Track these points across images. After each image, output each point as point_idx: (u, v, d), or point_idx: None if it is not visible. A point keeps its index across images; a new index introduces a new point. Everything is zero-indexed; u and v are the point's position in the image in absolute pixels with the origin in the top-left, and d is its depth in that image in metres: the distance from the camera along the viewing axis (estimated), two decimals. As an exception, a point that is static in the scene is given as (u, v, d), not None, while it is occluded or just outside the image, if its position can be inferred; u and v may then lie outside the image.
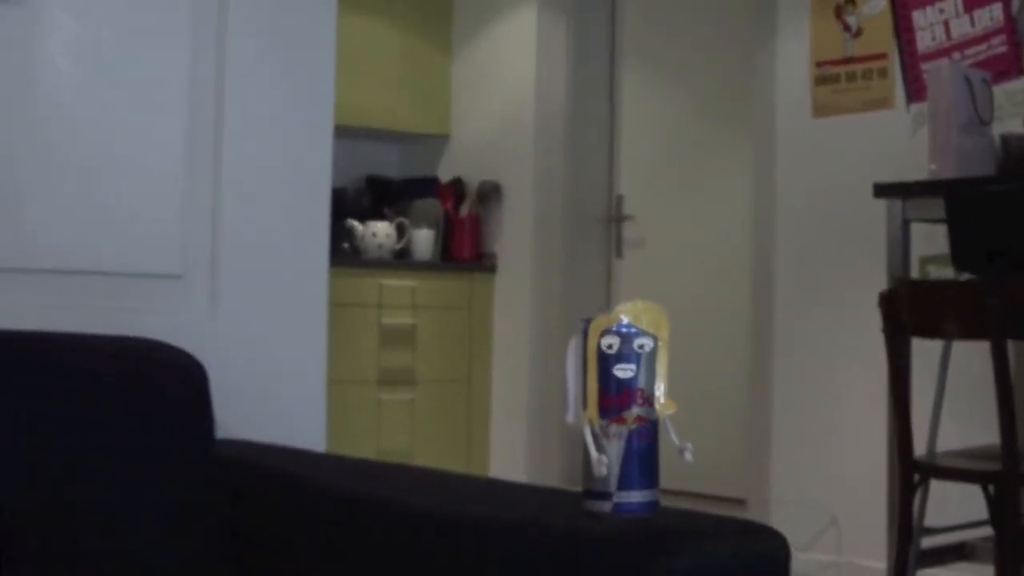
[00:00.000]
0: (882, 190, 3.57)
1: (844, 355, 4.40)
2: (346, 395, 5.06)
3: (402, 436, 5.33)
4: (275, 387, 2.06)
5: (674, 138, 5.59)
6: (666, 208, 5.56)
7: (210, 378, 1.83)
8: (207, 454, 1.71)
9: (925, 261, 4.08)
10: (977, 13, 4.18)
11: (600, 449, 1.28)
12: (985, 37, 4.15)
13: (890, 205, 3.60)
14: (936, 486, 3.20)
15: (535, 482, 5.01)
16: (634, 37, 5.74)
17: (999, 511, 2.88)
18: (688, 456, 1.26)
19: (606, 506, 1.28)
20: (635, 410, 1.29)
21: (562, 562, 1.23)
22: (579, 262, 5.61)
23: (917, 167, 3.74)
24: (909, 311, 3.05)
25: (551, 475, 5.31)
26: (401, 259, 5.54)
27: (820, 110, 4.60)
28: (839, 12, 4.57)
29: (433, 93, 5.89)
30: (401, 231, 5.54)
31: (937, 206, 3.37)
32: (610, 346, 1.29)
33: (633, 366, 1.29)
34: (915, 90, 4.29)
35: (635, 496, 1.28)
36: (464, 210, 5.71)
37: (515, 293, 5.54)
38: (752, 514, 4.55)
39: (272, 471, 1.70)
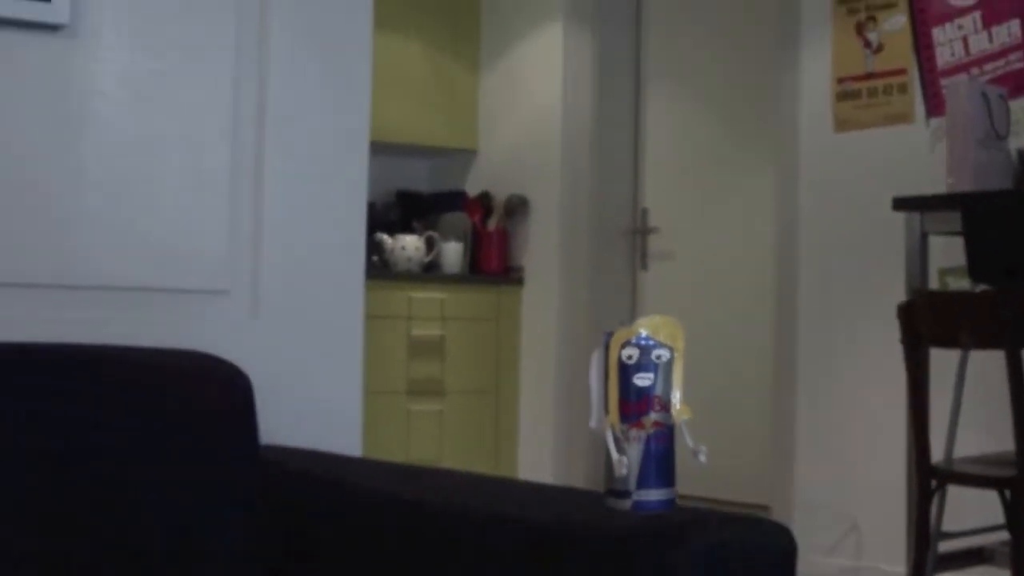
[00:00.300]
0: (901, 203, 3.65)
1: (865, 364, 4.47)
2: (376, 405, 5.14)
3: (431, 446, 5.41)
4: (314, 395, 2.17)
5: (698, 152, 5.67)
6: (690, 221, 5.64)
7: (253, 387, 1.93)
8: (253, 459, 1.82)
9: (944, 273, 4.15)
10: (995, 29, 4.25)
11: (621, 451, 1.38)
12: (1003, 53, 4.23)
13: (909, 218, 3.67)
14: (954, 492, 3.27)
15: (562, 490, 5.09)
16: (659, 53, 5.82)
17: (1015, 515, 2.95)
18: (702, 457, 1.36)
19: (626, 503, 1.38)
20: (653, 416, 1.39)
21: (588, 553, 1.33)
22: (605, 274, 5.68)
23: (937, 181, 3.81)
24: (926, 322, 3.12)
25: (576, 483, 5.39)
26: (430, 272, 5.62)
27: (841, 125, 4.69)
28: (860, 28, 4.65)
29: (461, 109, 5.98)
30: (430, 244, 5.63)
31: (955, 219, 3.44)
32: (630, 357, 1.39)
33: (651, 375, 1.39)
34: (934, 105, 4.37)
35: (653, 494, 1.38)
36: (492, 223, 5.80)
37: (542, 305, 5.62)
38: (776, 519, 4.62)
39: (317, 475, 1.80)
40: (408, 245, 5.57)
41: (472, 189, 5.92)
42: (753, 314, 5.23)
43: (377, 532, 1.63)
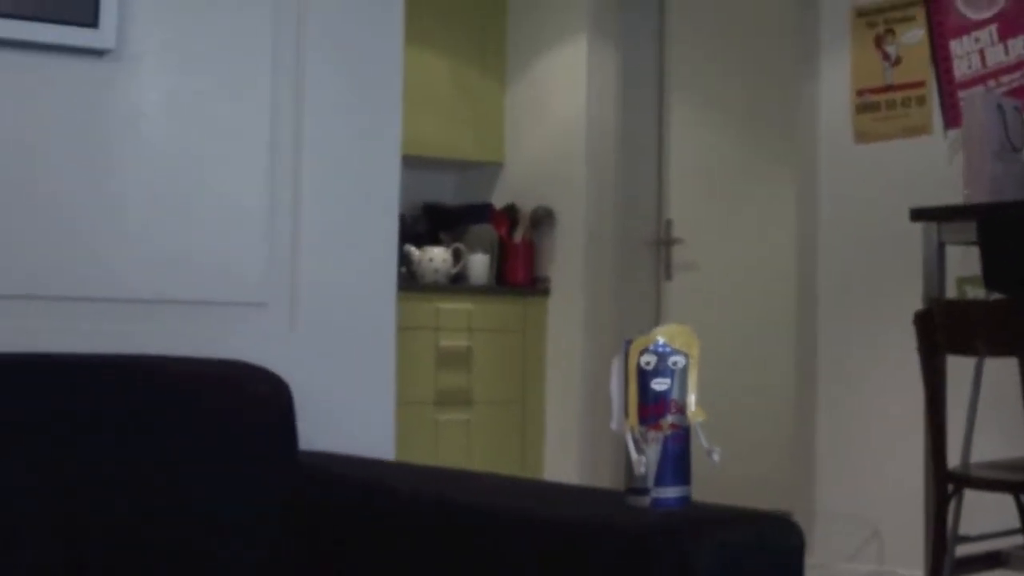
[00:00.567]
0: (918, 214, 3.72)
1: (884, 371, 4.53)
2: (404, 415, 5.18)
3: (459, 455, 5.44)
4: (349, 403, 2.27)
5: (721, 164, 5.75)
6: (713, 231, 5.71)
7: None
8: (294, 463, 1.92)
9: (962, 281, 4.21)
10: (1011, 42, 4.32)
11: (640, 451, 1.47)
12: (1019, 65, 4.30)
13: (926, 228, 3.74)
14: (970, 496, 3.34)
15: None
16: (681, 66, 5.89)
17: (1029, 519, 3.01)
18: (716, 457, 1.45)
19: (645, 500, 1.48)
20: (669, 418, 1.48)
21: (609, 546, 1.43)
22: (629, 285, 5.73)
23: (955, 191, 3.86)
24: (942, 330, 3.18)
25: (604, 491, 5.45)
26: (457, 283, 5.68)
27: (861, 137, 4.76)
28: (879, 42, 4.72)
29: (487, 122, 6.03)
30: (457, 256, 5.70)
31: (971, 229, 3.51)
32: (648, 363, 1.48)
33: (668, 380, 1.49)
34: (952, 117, 4.43)
35: (670, 492, 1.47)
36: (518, 235, 5.86)
37: (568, 315, 5.68)
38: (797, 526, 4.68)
39: (354, 477, 1.90)
40: (436, 257, 5.64)
41: (498, 201, 5.99)
42: (774, 323, 5.30)
43: (410, 530, 1.73)
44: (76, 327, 2.04)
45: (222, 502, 1.87)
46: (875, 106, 4.71)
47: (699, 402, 1.47)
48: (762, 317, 5.45)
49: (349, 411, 2.25)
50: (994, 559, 3.54)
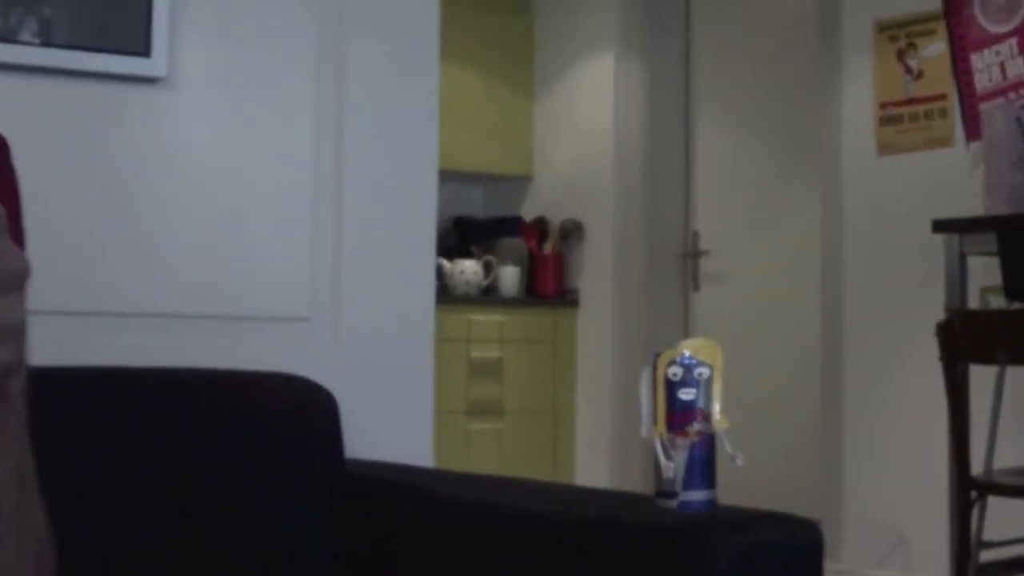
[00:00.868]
0: (940, 226, 3.80)
1: (909, 380, 4.59)
2: (437, 425, 5.28)
3: (491, 464, 5.51)
4: (389, 412, 2.37)
5: (747, 176, 5.83)
6: (740, 243, 5.79)
7: (335, 405, 2.13)
8: (341, 471, 2.02)
9: (986, 291, 4.28)
10: (1031, 55, 4.40)
11: (668, 457, 1.57)
12: (1039, 78, 4.38)
13: (947, 239, 3.82)
14: (994, 503, 3.40)
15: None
16: (707, 80, 5.97)
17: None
18: (739, 462, 1.54)
19: (673, 503, 1.58)
20: (696, 425, 1.58)
21: (638, 545, 1.53)
22: (658, 296, 5.80)
23: (977, 202, 3.94)
24: (964, 339, 3.26)
25: (634, 499, 5.52)
26: (488, 295, 5.77)
27: (884, 149, 4.83)
28: (901, 55, 4.80)
29: (516, 136, 6.12)
30: (488, 268, 5.79)
31: (992, 240, 3.59)
32: (675, 374, 1.58)
33: (694, 390, 1.58)
34: (973, 129, 4.50)
35: (696, 495, 1.57)
36: (547, 248, 5.95)
37: (597, 326, 5.76)
38: (825, 532, 4.76)
39: (398, 483, 2.01)
40: (467, 269, 5.73)
41: (528, 214, 6.08)
42: (802, 332, 5.37)
43: (451, 532, 1.83)
44: (125, 341, 2.15)
45: (270, 507, 1.97)
46: (898, 119, 4.79)
47: (723, 410, 1.57)
48: (788, 327, 5.52)
49: (390, 420, 2.35)
50: (1018, 564, 3.60)
